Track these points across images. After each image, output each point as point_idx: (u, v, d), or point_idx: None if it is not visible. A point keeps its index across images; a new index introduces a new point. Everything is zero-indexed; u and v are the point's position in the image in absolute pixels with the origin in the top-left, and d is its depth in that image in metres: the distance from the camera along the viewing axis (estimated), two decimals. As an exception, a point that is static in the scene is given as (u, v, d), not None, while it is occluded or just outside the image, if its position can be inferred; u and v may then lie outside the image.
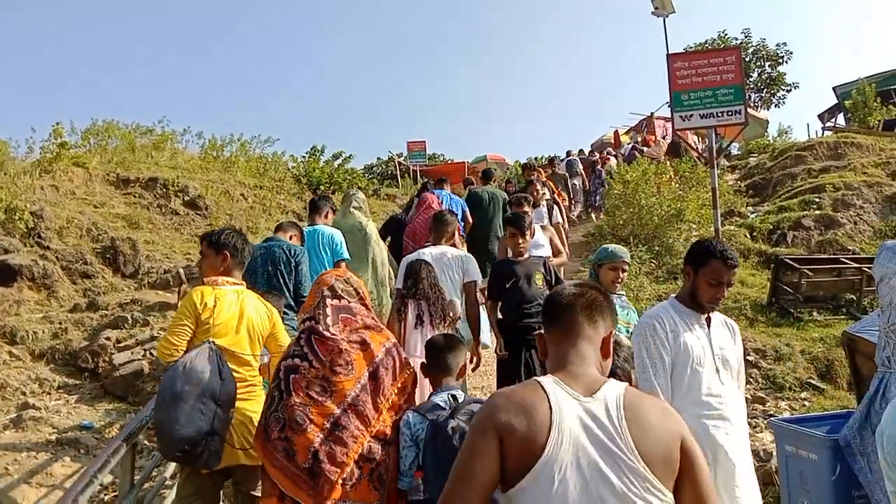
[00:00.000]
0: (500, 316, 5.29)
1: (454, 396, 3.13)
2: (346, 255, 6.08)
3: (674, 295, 3.32)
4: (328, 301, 3.21)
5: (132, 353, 7.61)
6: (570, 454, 1.62)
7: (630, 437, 1.64)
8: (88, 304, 8.88)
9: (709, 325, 3.22)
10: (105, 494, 5.49)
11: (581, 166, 18.21)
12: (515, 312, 5.13)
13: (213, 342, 3.47)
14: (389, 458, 3.01)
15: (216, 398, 3.27)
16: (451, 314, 4.93)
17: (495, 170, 15.67)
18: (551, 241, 7.03)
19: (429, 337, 4.03)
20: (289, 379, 3.04)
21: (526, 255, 5.37)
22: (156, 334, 7.83)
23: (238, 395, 3.52)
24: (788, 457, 4.22)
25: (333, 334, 3.10)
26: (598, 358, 1.87)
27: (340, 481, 2.91)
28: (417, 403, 3.30)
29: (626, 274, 4.67)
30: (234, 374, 3.51)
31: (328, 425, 2.95)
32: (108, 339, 7.87)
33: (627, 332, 4.11)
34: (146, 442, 6.37)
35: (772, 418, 5.22)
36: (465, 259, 5.55)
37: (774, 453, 4.90)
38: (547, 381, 1.75)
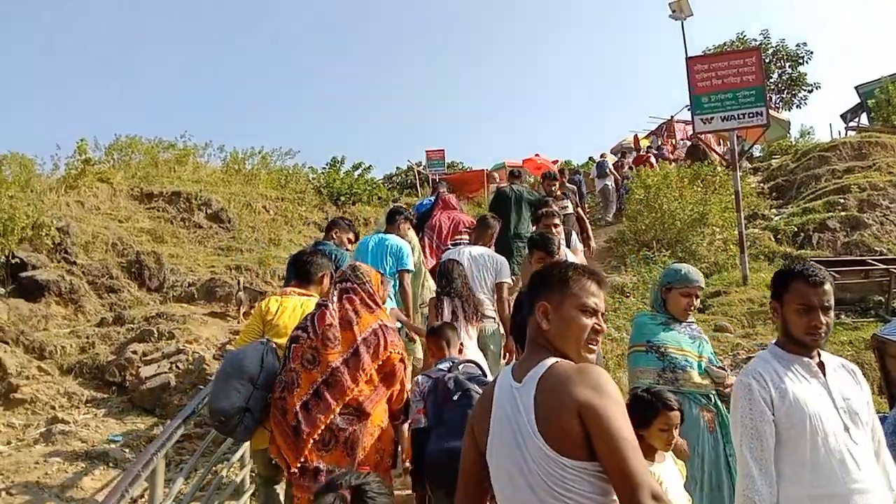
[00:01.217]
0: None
1: (453, 361, 3.86)
2: (409, 266, 6.20)
3: (773, 341, 2.73)
4: (337, 285, 3.66)
5: (158, 366, 7.67)
6: (501, 438, 1.94)
7: (534, 416, 1.87)
8: (115, 319, 8.97)
9: (823, 372, 2.57)
10: (134, 507, 5.52)
11: (612, 166, 18.06)
12: None
13: (269, 339, 3.96)
14: (362, 430, 3.37)
15: (254, 381, 3.69)
16: (482, 310, 5.33)
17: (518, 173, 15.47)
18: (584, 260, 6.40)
19: (462, 331, 4.68)
20: (290, 347, 3.53)
21: None
22: (181, 347, 7.89)
23: None
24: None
25: (333, 312, 3.51)
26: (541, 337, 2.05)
27: (319, 445, 3.33)
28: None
29: (698, 301, 3.98)
30: None
31: (311, 391, 3.37)
32: (134, 352, 7.94)
33: (700, 367, 3.73)
34: (174, 454, 6.42)
35: None
36: (501, 262, 5.83)
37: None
38: (503, 372, 2.10)
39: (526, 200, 8.56)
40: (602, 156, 19.49)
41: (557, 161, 23.87)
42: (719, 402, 3.73)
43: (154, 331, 8.34)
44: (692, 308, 3.91)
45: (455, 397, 3.52)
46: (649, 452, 2.94)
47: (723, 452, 3.61)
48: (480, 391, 3.37)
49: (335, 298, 3.57)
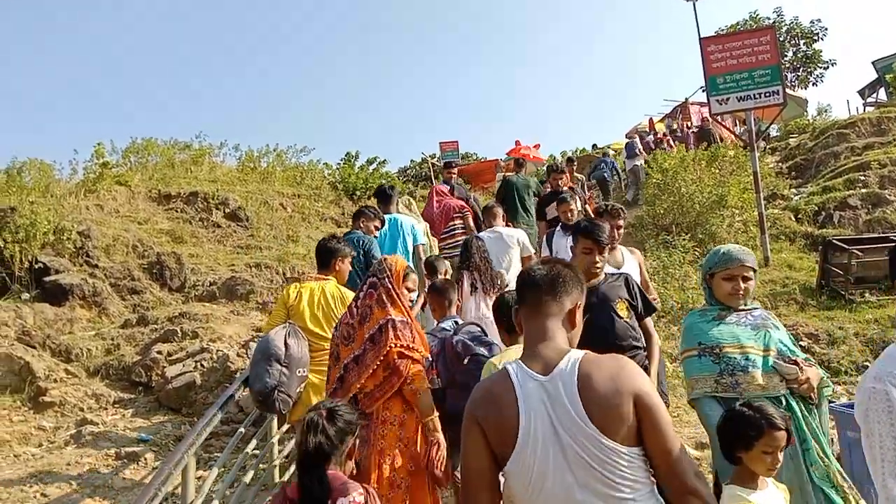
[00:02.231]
0: None
1: (456, 321, 4.28)
2: (422, 240, 7.03)
3: None
4: (368, 278, 3.77)
5: (183, 365, 7.73)
6: (538, 433, 1.87)
7: (581, 405, 1.85)
8: (138, 320, 9.05)
9: None
10: (166, 505, 5.58)
11: (641, 146, 18.06)
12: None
13: (292, 322, 4.55)
14: (368, 424, 3.37)
15: (280, 360, 4.26)
16: (500, 282, 5.64)
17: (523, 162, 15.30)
18: (641, 268, 5.22)
19: (481, 301, 5.27)
20: (339, 324, 3.77)
21: (601, 278, 4.03)
22: (206, 346, 7.96)
23: (315, 363, 4.53)
24: (852, 442, 4.12)
25: (354, 309, 3.72)
26: (565, 332, 2.07)
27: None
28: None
29: (752, 283, 3.37)
30: (313, 345, 4.56)
31: (347, 362, 3.57)
32: (159, 352, 8.01)
33: (767, 363, 3.13)
34: (202, 452, 6.48)
35: (831, 404, 5.00)
36: (521, 237, 6.79)
37: (834, 440, 4.78)
38: (513, 367, 1.99)
39: (531, 189, 9.34)
40: (629, 136, 19.62)
41: (539, 146, 23.94)
42: (793, 403, 3.08)
43: (178, 330, 8.41)
44: (741, 292, 3.32)
45: (465, 361, 3.85)
46: (750, 478, 2.62)
47: (803, 465, 2.99)
48: (487, 354, 3.78)
49: (362, 293, 3.70)
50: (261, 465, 5.24)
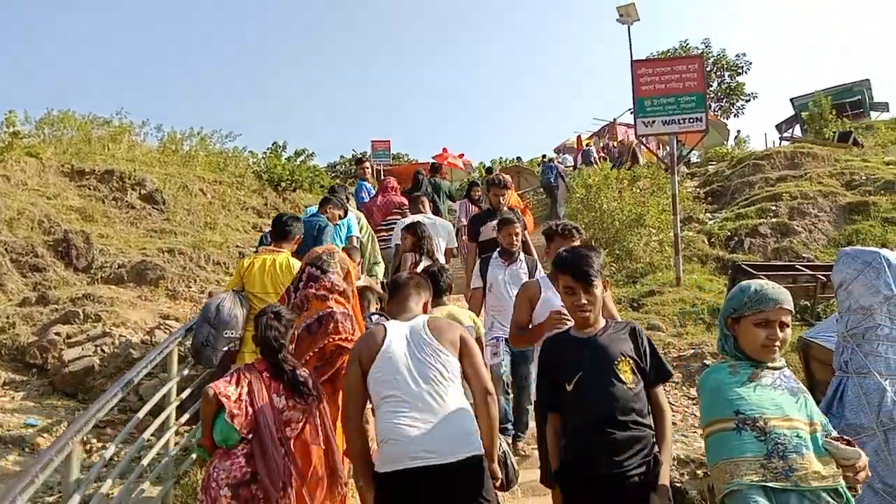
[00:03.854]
0: (553, 440, 3.09)
1: (369, 316, 5.08)
2: (355, 232, 7.52)
3: None
4: (308, 269, 4.03)
5: (83, 349, 7.39)
6: (395, 344, 3.04)
7: (427, 332, 3.10)
8: (38, 299, 8.60)
9: None
10: (49, 495, 5.29)
11: (596, 155, 18.09)
12: (584, 438, 2.87)
13: (236, 290, 5.26)
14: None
15: (210, 322, 4.96)
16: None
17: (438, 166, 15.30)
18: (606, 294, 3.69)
19: None
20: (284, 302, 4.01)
21: (600, 325, 3.10)
22: (108, 330, 7.62)
23: None
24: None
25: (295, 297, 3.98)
26: (421, 311, 3.38)
27: None
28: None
29: (789, 332, 2.60)
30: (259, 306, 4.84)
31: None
32: (57, 334, 7.63)
33: (817, 443, 2.42)
34: (94, 440, 6.20)
35: None
36: (450, 228, 7.43)
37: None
38: (387, 322, 3.25)
39: (443, 188, 10.61)
40: (587, 144, 20.03)
41: (463, 155, 24.42)
42: (851, 499, 2.41)
43: (79, 312, 8.03)
44: (777, 343, 2.55)
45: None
46: None
47: None
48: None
49: (301, 283, 3.98)
50: (156, 455, 5.03)
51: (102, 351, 7.31)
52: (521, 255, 5.79)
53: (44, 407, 6.77)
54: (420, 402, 2.90)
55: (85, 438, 6.08)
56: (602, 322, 3.10)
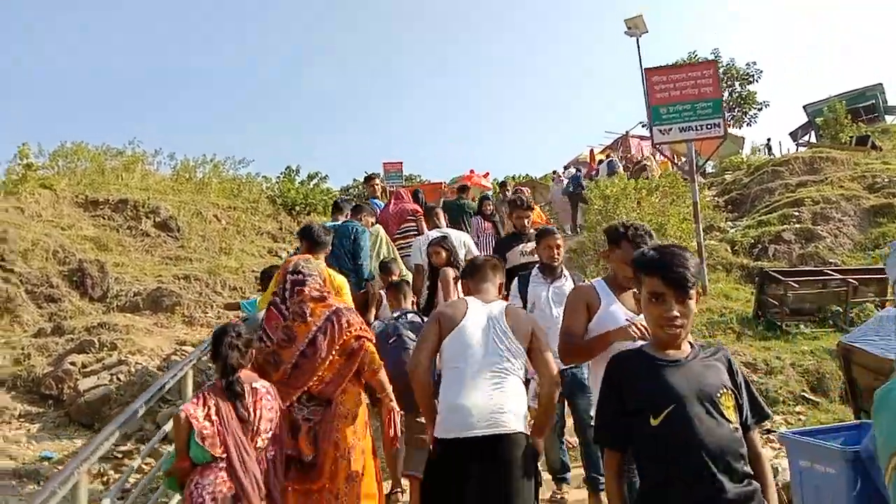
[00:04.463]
0: (616, 485, 2.43)
1: (405, 313, 4.99)
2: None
3: None
4: (288, 277, 3.86)
5: (98, 377, 7.26)
6: (474, 320, 3.25)
7: (504, 320, 3.26)
8: (54, 329, 8.50)
9: None
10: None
11: (621, 167, 18.06)
12: (681, 491, 2.17)
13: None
14: (324, 417, 3.65)
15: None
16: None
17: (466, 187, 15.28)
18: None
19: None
20: (268, 331, 3.79)
21: (687, 351, 2.38)
22: (123, 358, 7.49)
23: None
24: (803, 472, 3.98)
25: (287, 308, 3.78)
26: (496, 292, 3.57)
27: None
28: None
29: None
30: None
31: (296, 360, 3.66)
32: (73, 364, 7.50)
33: None
34: (112, 472, 6.03)
35: (783, 432, 4.66)
36: (467, 239, 7.03)
37: (781, 469, 4.67)
38: (468, 298, 3.48)
39: (468, 209, 10.08)
40: (608, 156, 19.98)
41: (488, 174, 24.37)
42: None
43: (95, 341, 7.91)
44: None
45: (391, 341, 4.61)
46: None
47: None
48: (413, 336, 4.53)
49: (286, 296, 3.80)
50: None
51: (118, 379, 7.17)
52: (566, 272, 5.15)
53: (60, 438, 6.62)
54: (483, 378, 3.09)
55: (101, 470, 5.91)
56: (688, 346, 2.38)
